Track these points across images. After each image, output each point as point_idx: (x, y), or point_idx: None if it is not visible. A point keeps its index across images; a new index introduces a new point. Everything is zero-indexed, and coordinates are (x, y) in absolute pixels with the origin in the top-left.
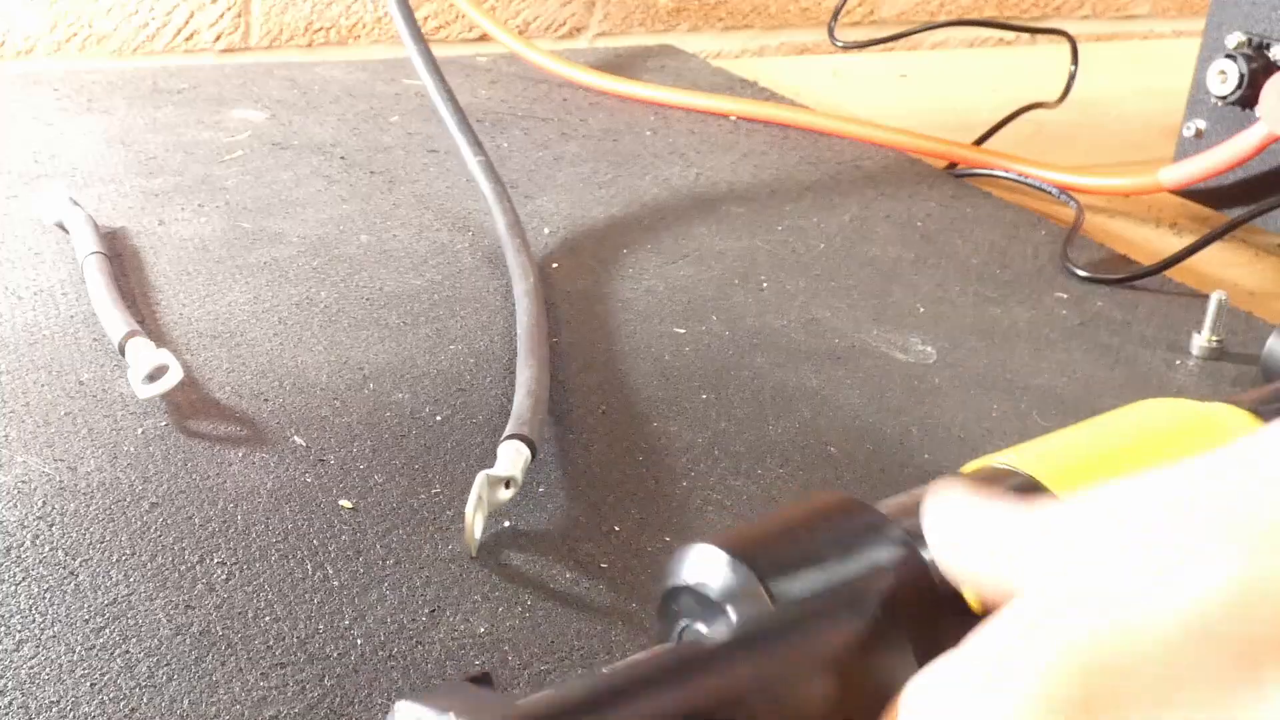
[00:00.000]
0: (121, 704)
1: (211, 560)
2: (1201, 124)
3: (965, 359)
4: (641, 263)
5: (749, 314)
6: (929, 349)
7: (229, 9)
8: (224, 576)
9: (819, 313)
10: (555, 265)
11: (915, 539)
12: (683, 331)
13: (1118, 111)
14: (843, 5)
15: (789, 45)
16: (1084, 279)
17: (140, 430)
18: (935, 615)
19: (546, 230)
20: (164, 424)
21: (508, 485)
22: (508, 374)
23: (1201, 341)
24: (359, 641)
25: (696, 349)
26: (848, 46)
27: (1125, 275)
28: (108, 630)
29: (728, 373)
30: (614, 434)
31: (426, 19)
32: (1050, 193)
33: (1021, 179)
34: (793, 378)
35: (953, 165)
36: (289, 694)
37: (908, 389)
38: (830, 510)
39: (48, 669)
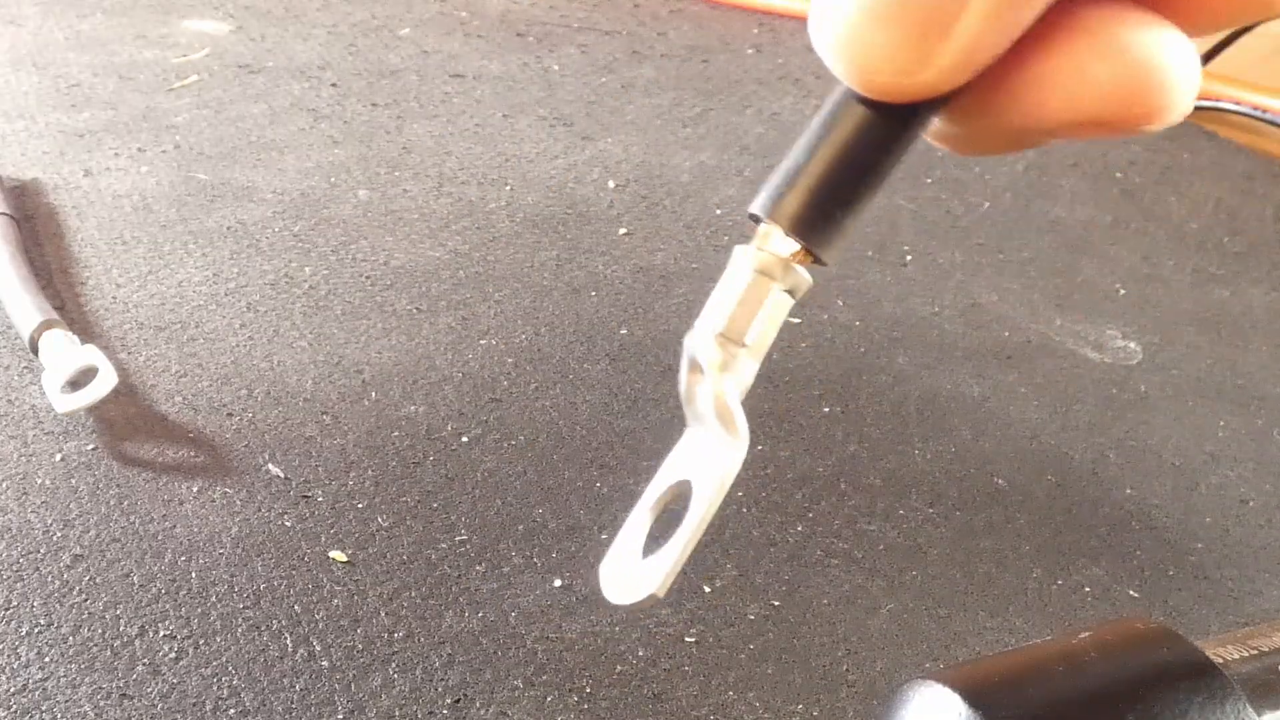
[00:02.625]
0: None
1: (156, 633)
2: None
3: (1181, 359)
4: (741, 228)
5: (887, 297)
6: (1132, 345)
7: None
8: (172, 654)
9: (982, 296)
10: (624, 231)
11: (1260, 697)
12: (797, 321)
13: None
14: None
15: None
16: None
17: (59, 456)
18: None
19: (612, 184)
20: (91, 447)
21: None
22: (561, 378)
23: None
24: None
25: (816, 345)
26: None
27: None
28: None
29: (859, 377)
30: None
31: None
32: None
33: (1257, 114)
34: (947, 384)
35: None
36: None
37: (1103, 399)
38: (1131, 646)
39: None
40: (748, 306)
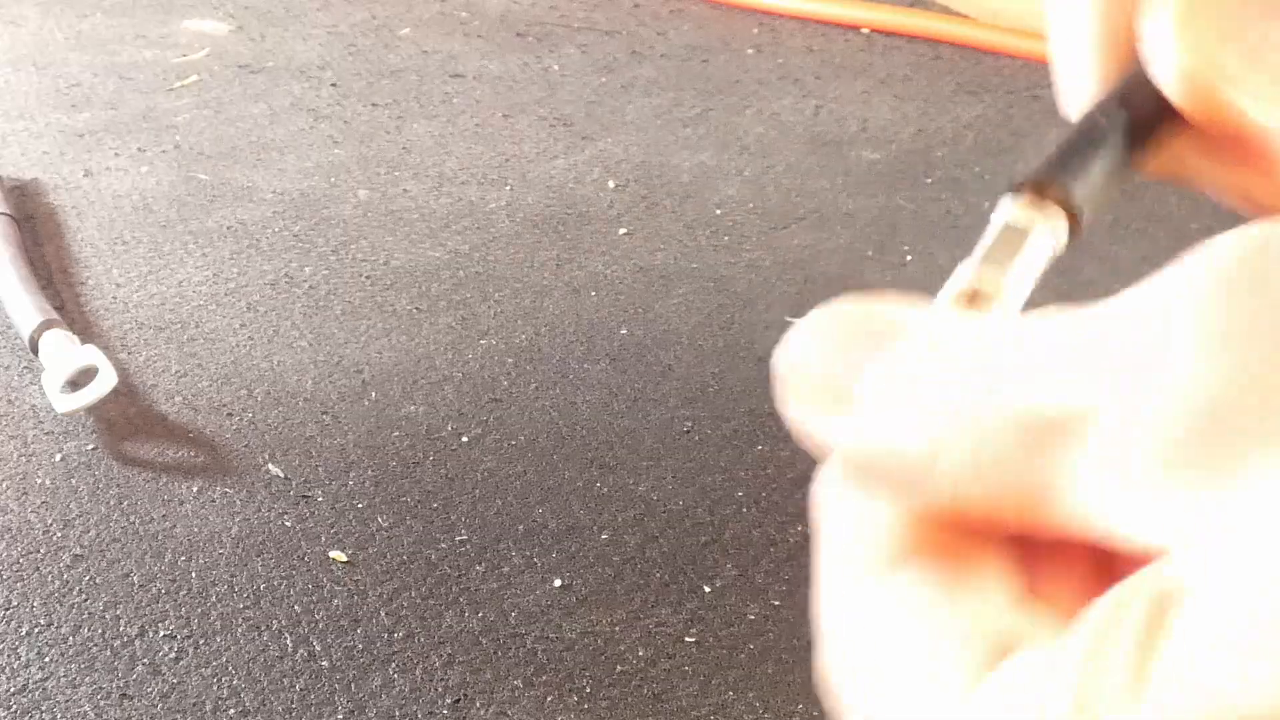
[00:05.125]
0: None
1: (155, 633)
2: None
3: None
4: (741, 228)
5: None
6: None
7: None
8: (172, 654)
9: None
10: (624, 231)
11: None
12: (797, 321)
13: None
14: None
15: None
16: None
17: (59, 456)
18: None
19: (612, 184)
20: (91, 447)
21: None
22: (561, 378)
23: None
24: None
25: None
26: None
27: None
28: None
29: None
30: (703, 460)
31: None
32: None
33: None
34: None
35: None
36: None
37: None
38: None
39: None
40: (997, 261)
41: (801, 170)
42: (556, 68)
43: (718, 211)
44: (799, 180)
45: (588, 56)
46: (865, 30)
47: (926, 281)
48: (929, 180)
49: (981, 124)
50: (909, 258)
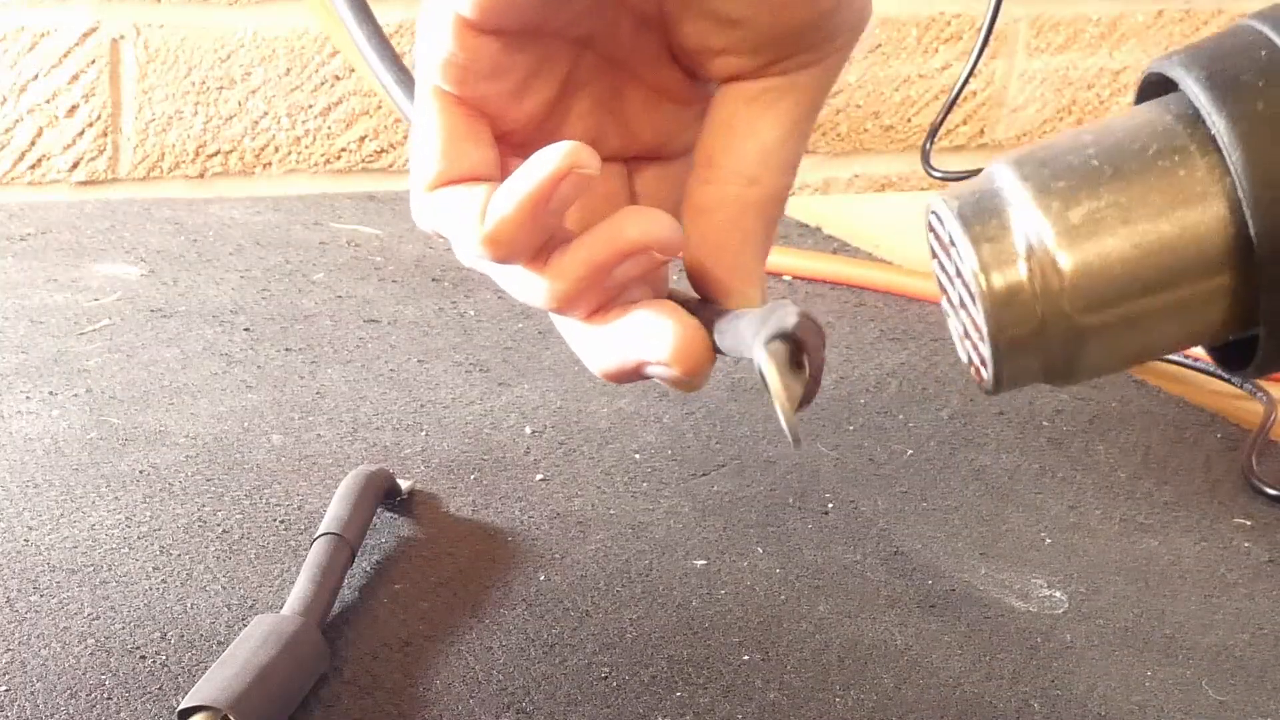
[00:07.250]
0: None
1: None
2: None
3: (1108, 608)
4: (660, 474)
5: (808, 545)
6: (1058, 594)
7: (90, 125)
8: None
9: (906, 544)
10: (540, 478)
11: None
12: (716, 568)
13: None
14: (941, 122)
15: (866, 178)
16: (1276, 499)
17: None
18: None
19: (529, 429)
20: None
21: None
22: (476, 623)
23: None
24: None
25: (736, 592)
26: (948, 178)
27: None
28: None
29: (779, 625)
30: (620, 706)
31: None
32: (1229, 380)
33: (1187, 362)
34: (869, 632)
35: None
36: None
37: (1028, 649)
38: None
39: None
40: None
41: (721, 417)
42: (472, 313)
43: (636, 457)
44: (719, 427)
45: (504, 302)
46: (787, 277)
47: (849, 529)
48: (851, 427)
49: (905, 371)
50: (830, 505)
